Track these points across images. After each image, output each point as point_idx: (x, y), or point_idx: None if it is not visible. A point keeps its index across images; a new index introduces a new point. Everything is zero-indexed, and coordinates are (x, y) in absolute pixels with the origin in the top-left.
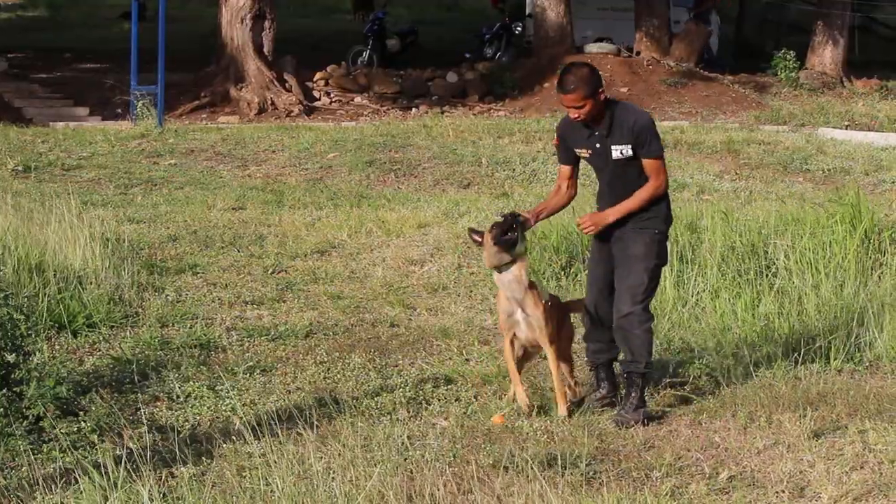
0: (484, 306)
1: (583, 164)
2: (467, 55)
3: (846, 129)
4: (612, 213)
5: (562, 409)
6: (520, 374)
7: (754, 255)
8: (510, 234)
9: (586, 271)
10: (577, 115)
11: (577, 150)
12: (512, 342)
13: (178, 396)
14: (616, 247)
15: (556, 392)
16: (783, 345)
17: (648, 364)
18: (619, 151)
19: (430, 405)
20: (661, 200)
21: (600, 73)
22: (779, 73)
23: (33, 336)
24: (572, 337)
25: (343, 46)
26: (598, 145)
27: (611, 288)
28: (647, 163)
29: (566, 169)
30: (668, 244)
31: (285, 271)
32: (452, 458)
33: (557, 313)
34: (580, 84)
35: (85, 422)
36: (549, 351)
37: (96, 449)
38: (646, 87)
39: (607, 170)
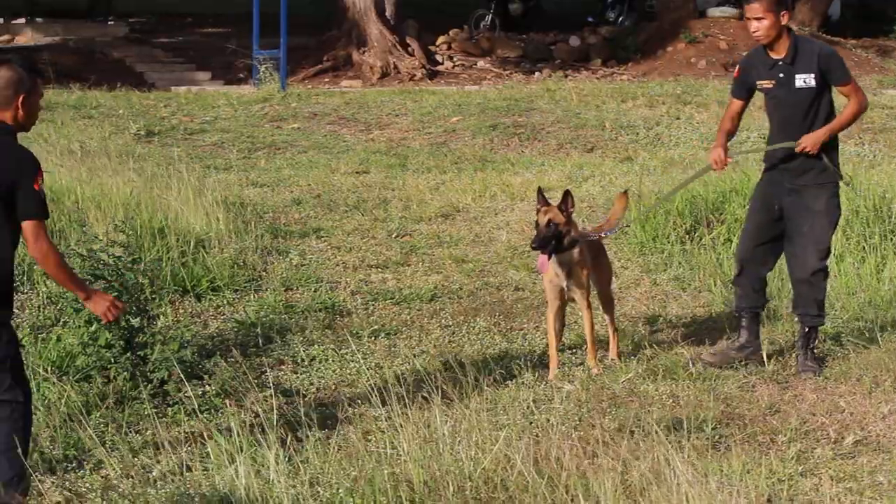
0: None
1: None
2: (590, 19)
3: None
4: (823, 132)
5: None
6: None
7: (878, 220)
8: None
9: (745, 223)
10: (755, 30)
11: (759, 83)
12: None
13: (302, 360)
14: (791, 199)
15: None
16: None
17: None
18: (803, 80)
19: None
20: (835, 150)
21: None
22: None
23: (157, 300)
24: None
25: (465, 10)
26: (781, 75)
27: (767, 239)
28: (843, 89)
29: (738, 104)
30: None
31: (409, 235)
32: (578, 422)
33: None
34: None
35: (209, 385)
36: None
37: (221, 412)
38: None
39: (787, 102)
